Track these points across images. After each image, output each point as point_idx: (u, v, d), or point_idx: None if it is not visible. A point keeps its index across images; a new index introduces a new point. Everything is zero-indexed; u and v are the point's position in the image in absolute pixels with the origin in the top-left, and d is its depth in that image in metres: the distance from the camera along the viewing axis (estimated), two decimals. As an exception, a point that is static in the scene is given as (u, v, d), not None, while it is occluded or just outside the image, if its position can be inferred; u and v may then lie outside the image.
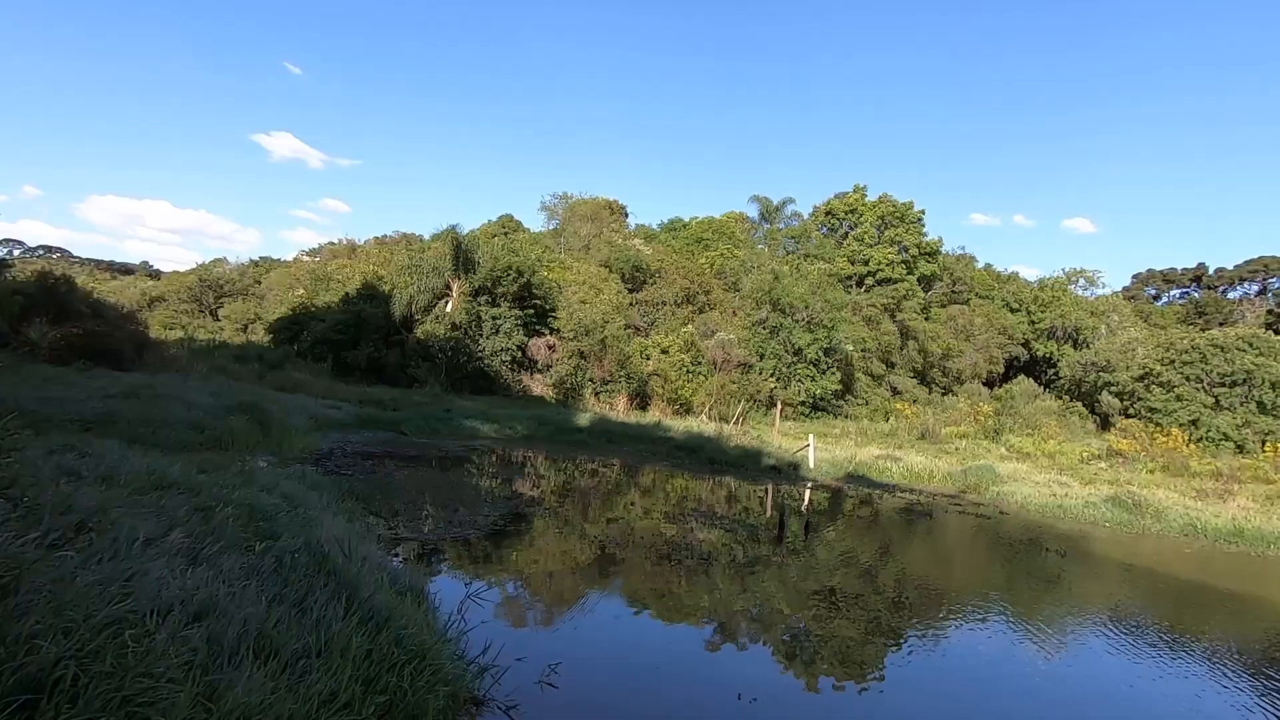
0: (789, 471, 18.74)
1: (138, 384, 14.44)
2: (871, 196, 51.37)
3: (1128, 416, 36.13)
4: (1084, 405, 41.58)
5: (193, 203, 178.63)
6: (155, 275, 73.65)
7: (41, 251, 78.85)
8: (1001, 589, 9.99)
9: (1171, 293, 76.78)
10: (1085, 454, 26.35)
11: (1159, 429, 30.21)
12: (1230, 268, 71.21)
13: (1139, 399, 37.02)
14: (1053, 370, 50.16)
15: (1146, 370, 37.53)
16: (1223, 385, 34.31)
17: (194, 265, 61.57)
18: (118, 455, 7.66)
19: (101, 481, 6.07)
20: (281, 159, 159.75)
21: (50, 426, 9.59)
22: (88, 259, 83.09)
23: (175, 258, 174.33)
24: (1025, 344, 51.68)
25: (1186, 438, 28.31)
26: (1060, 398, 43.25)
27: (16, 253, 72.45)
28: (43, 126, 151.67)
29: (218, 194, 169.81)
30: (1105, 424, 37.93)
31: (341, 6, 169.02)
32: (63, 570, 3.49)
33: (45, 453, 7.08)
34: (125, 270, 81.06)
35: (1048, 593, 9.91)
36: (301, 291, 42.18)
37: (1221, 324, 55.91)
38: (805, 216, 56.65)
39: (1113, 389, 39.83)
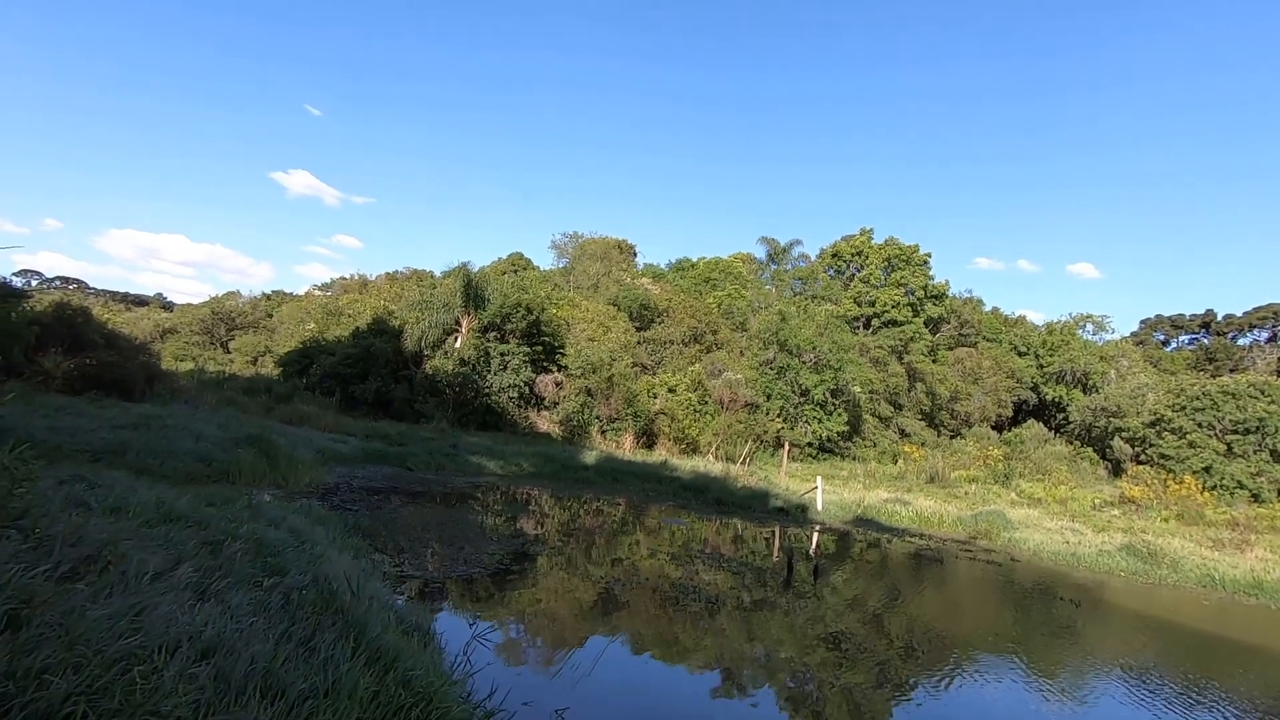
0: (796, 513, 18.52)
1: (147, 415, 14.53)
2: (878, 239, 51.88)
3: (1139, 463, 35.71)
4: (1095, 451, 41.13)
5: (209, 237, 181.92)
6: (169, 307, 74.56)
7: (58, 283, 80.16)
8: (1014, 639, 9.76)
9: (1180, 338, 76.44)
10: (1097, 500, 25.97)
11: (1172, 476, 29.79)
12: (1239, 314, 71.00)
13: (1151, 445, 36.62)
14: (1062, 415, 49.79)
15: (1158, 416, 37.20)
16: (1235, 433, 33.92)
17: (207, 298, 62.40)
18: (126, 487, 7.68)
19: (110, 513, 6.07)
20: (298, 196, 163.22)
21: (61, 456, 9.64)
22: (103, 290, 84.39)
23: (189, 290, 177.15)
24: (1034, 388, 51.44)
25: (1200, 485, 27.88)
26: (1071, 443, 42.83)
27: (34, 283, 73.69)
28: (66, 161, 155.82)
29: (234, 229, 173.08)
30: (1117, 470, 37.47)
31: (362, 52, 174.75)
32: (73, 603, 3.49)
33: (55, 483, 7.10)
34: (140, 302, 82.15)
35: (1062, 643, 9.67)
36: (312, 325, 42.59)
37: (1232, 370, 55.51)
38: (812, 258, 57.20)
39: (1124, 434, 39.43)
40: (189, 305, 63.12)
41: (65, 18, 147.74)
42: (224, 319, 53.71)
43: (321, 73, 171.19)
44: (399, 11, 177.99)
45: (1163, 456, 35.02)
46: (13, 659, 2.78)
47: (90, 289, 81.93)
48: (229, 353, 49.32)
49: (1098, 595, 13.09)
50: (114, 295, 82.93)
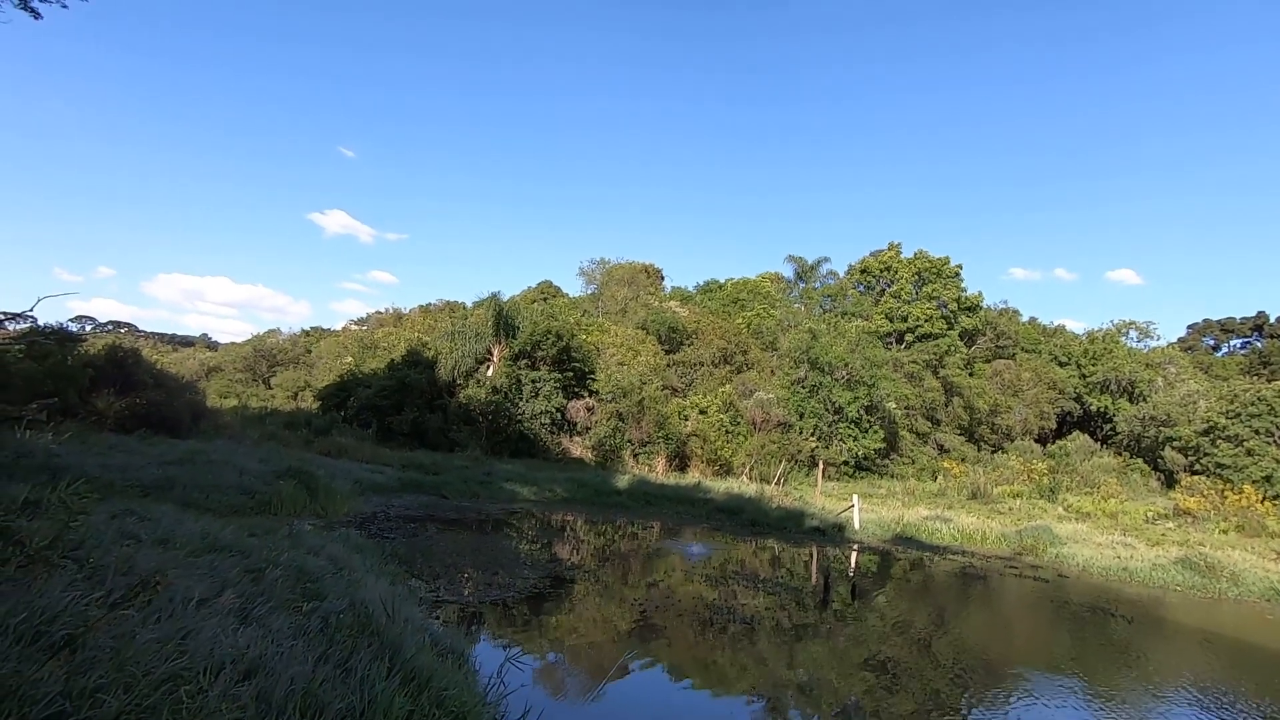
0: (833, 533, 18.20)
1: (193, 450, 15.00)
2: (907, 254, 51.33)
3: (1194, 473, 34.26)
4: (1145, 462, 39.66)
5: (251, 278, 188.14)
6: (213, 347, 77.06)
7: (110, 326, 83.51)
8: (1068, 659, 9.39)
9: (1231, 343, 73.69)
10: (1150, 513, 24.98)
11: (1230, 486, 28.51)
12: (1293, 315, 68.27)
13: (1205, 454, 35.18)
14: (1109, 425, 48.15)
15: (1211, 424, 35.77)
16: (1296, 439, 32.44)
17: (249, 336, 64.38)
18: (174, 519, 7.95)
19: (159, 544, 6.29)
20: (334, 235, 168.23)
21: (113, 492, 10.01)
22: (152, 332, 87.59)
23: (232, 330, 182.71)
24: (1077, 398, 49.89)
25: (1260, 495, 26.61)
26: (1119, 454, 41.38)
27: (88, 328, 76.90)
28: (117, 213, 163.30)
29: (274, 269, 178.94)
30: (1170, 481, 36.04)
31: (391, 96, 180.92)
32: (124, 628, 3.63)
33: (108, 517, 7.38)
34: (186, 342, 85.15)
35: (1120, 664, 9.28)
36: (349, 359, 43.59)
37: (1289, 374, 53.19)
38: (841, 275, 56.80)
39: (1175, 444, 37.98)
40: (232, 344, 65.18)
41: (111, 76, 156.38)
42: (265, 356, 55.32)
43: (353, 117, 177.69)
44: (426, 57, 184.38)
45: (1219, 466, 33.60)
46: (69, 679, 2.92)
47: (140, 331, 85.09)
48: (270, 389, 50.68)
49: (1153, 611, 12.56)
50: (162, 337, 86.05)
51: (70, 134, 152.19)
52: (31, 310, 12.75)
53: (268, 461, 15.17)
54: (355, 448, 23.81)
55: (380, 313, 61.38)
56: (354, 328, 60.77)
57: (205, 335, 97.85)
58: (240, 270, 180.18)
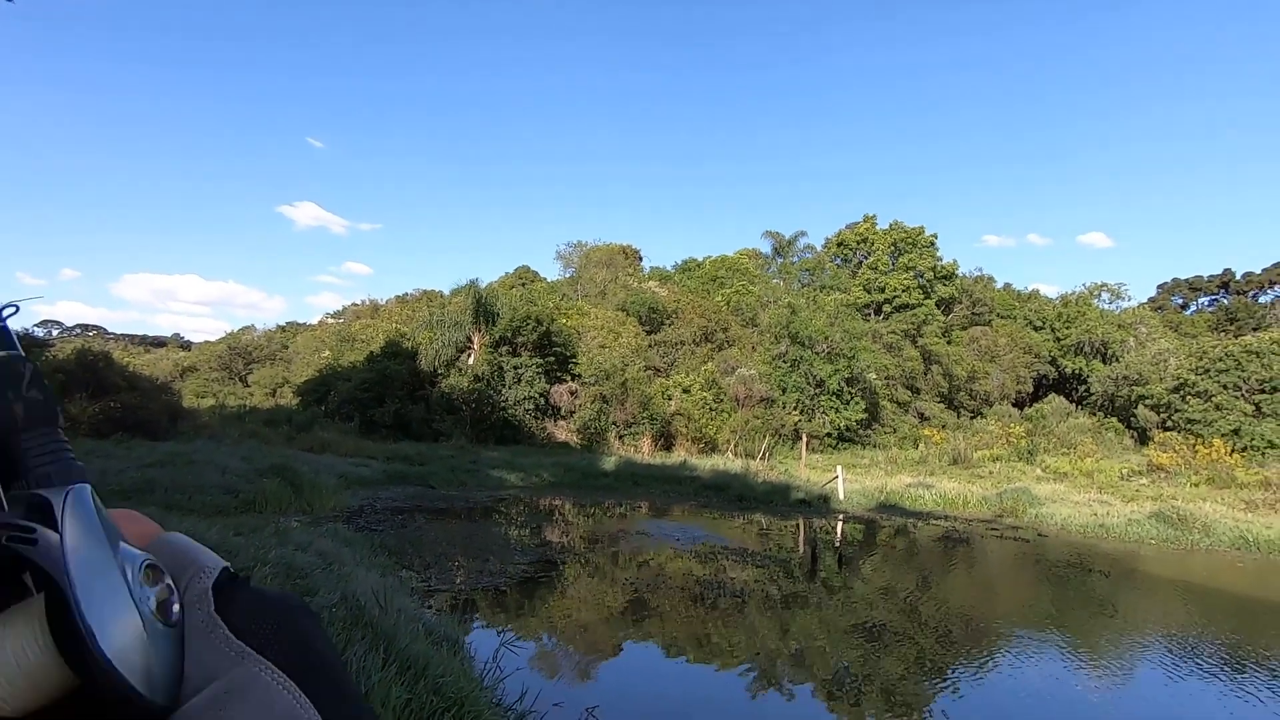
0: (818, 504, 18.48)
1: (173, 452, 14.78)
2: (882, 225, 51.62)
3: (1166, 429, 35.15)
4: (1119, 421, 40.59)
5: (221, 274, 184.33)
6: (186, 346, 75.66)
7: (78, 330, 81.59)
8: (1049, 615, 9.69)
9: (1200, 301, 75.21)
10: (1125, 470, 25.65)
11: (1200, 440, 29.33)
12: (1259, 271, 69.67)
13: (1176, 411, 36.08)
14: (1083, 387, 49.12)
15: (1181, 381, 36.65)
16: (1262, 391, 33.34)
17: (223, 334, 63.26)
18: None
19: (144, 548, 6.23)
20: (305, 227, 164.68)
21: (92, 498, 9.85)
22: (122, 334, 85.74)
23: (205, 328, 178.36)
24: (1052, 361, 50.78)
25: (1229, 448, 27.41)
26: (1094, 414, 42.29)
27: (55, 333, 75.09)
28: (80, 212, 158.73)
29: (246, 265, 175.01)
30: (1143, 438, 36.93)
31: (356, 82, 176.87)
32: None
33: (89, 523, 7.28)
34: (158, 343, 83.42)
35: (1098, 617, 9.59)
36: (327, 353, 43.09)
37: (1255, 329, 54.45)
38: (818, 249, 57.03)
39: (1148, 402, 38.89)
40: (206, 343, 64.06)
41: (70, 76, 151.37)
42: (241, 354, 54.46)
43: (319, 106, 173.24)
44: (389, 42, 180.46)
45: (1189, 421, 34.49)
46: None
47: (109, 334, 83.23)
48: (248, 386, 49.93)
49: (1129, 565, 12.95)
50: (133, 338, 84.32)
51: (26, 136, 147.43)
52: (-5, 317, 12.43)
53: (250, 460, 14.99)
54: (338, 442, 23.63)
55: (356, 305, 60.60)
56: (330, 321, 60.00)
57: (178, 335, 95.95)
58: (210, 267, 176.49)
